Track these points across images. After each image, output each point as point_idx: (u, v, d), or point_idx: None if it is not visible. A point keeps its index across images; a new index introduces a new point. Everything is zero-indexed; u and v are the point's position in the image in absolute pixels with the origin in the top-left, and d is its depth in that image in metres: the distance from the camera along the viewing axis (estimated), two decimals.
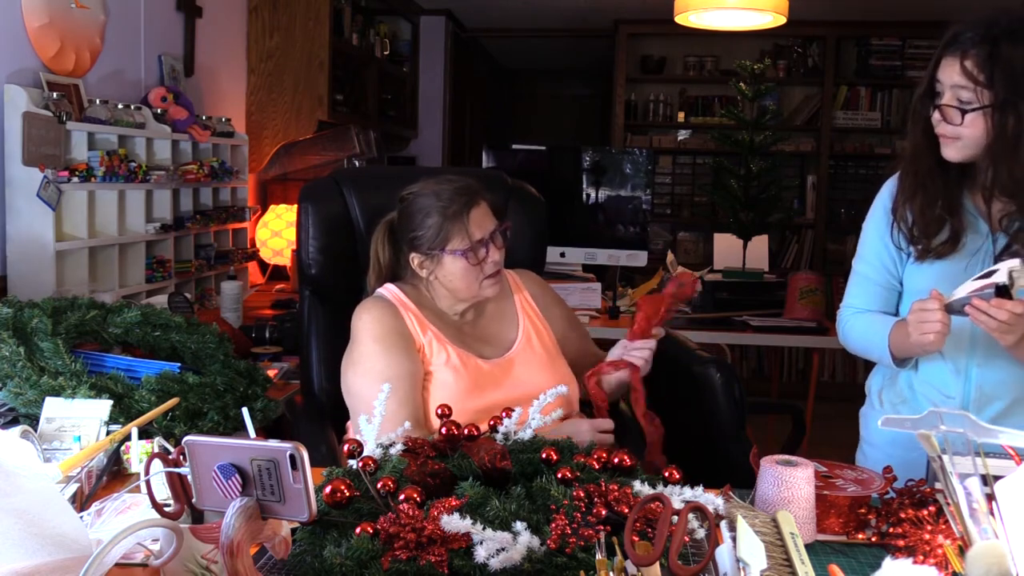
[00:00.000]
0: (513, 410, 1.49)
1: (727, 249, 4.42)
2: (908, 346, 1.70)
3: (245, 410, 1.24)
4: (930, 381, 1.76)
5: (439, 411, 1.50)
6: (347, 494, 1.22)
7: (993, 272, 1.52)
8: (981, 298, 1.51)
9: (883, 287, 1.82)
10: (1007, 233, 1.67)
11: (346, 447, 1.36)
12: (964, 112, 1.60)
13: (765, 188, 4.67)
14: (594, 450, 1.39)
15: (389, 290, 1.89)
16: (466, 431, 1.42)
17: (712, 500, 1.27)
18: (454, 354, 1.82)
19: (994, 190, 1.64)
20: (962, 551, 1.12)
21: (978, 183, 1.69)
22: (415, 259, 1.86)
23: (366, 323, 1.82)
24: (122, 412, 1.70)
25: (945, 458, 1.17)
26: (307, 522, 1.03)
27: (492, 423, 1.49)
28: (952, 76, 1.61)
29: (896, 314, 1.82)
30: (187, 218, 3.35)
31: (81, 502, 1.40)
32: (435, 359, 1.81)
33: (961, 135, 1.63)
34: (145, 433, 1.63)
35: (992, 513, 1.07)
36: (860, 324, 1.82)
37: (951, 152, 1.66)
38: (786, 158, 6.10)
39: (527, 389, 1.76)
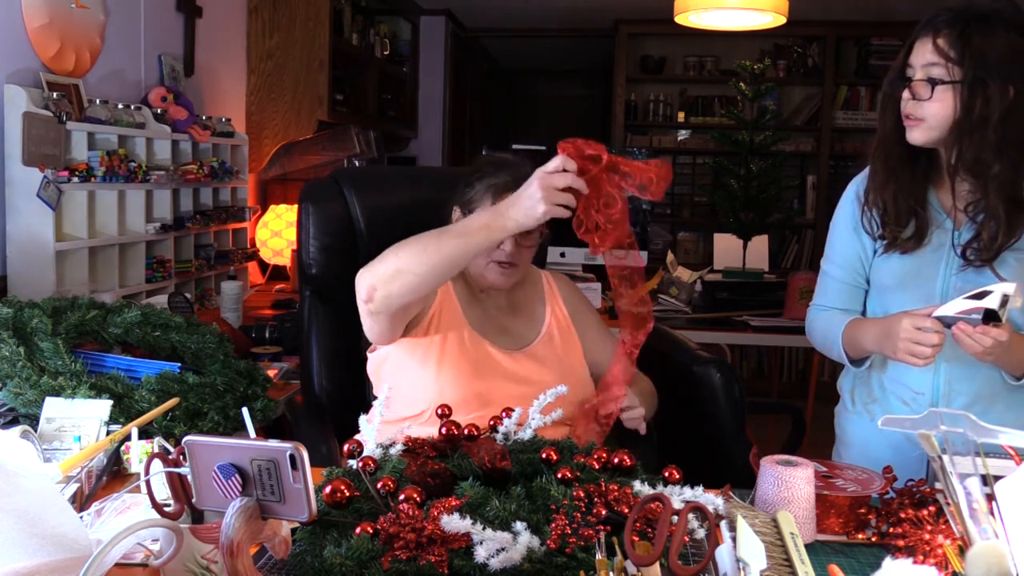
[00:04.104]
0: (513, 410, 1.49)
1: (727, 249, 4.43)
2: (863, 348, 1.75)
3: (245, 410, 1.24)
4: (899, 379, 1.77)
5: (439, 411, 1.50)
6: (347, 494, 1.22)
7: (986, 293, 1.52)
8: (968, 322, 1.53)
9: (850, 285, 1.84)
10: (972, 220, 1.68)
11: (346, 447, 1.36)
12: (934, 85, 1.62)
13: (765, 188, 4.68)
14: (594, 450, 1.39)
15: None
16: (466, 431, 1.42)
17: (712, 500, 1.27)
18: (467, 335, 1.81)
19: (958, 169, 1.66)
20: (962, 551, 1.12)
21: (942, 171, 1.71)
22: (455, 213, 1.86)
23: None
24: (122, 412, 1.70)
25: (945, 458, 1.17)
26: (307, 522, 1.03)
27: (492, 423, 1.49)
28: (924, 55, 1.64)
29: (863, 311, 1.85)
30: (187, 218, 3.35)
31: (81, 502, 1.40)
32: (448, 332, 1.80)
33: (927, 115, 1.65)
34: (145, 433, 1.62)
35: (992, 513, 1.07)
36: (821, 322, 1.85)
37: (916, 135, 1.67)
38: (786, 158, 6.11)
39: (533, 384, 1.74)
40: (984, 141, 1.61)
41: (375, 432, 1.45)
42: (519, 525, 1.15)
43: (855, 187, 1.84)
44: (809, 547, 1.28)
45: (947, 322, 1.55)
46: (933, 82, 1.62)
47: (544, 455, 1.36)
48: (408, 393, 1.75)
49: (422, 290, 1.62)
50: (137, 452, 1.58)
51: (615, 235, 1.53)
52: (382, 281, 1.61)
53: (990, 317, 1.51)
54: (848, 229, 1.83)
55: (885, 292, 1.79)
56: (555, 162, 1.48)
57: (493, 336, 1.85)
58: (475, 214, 1.61)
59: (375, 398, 1.59)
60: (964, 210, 1.69)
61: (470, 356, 1.79)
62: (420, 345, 1.78)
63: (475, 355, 1.80)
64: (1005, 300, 1.51)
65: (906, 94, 1.66)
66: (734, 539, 1.00)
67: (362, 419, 1.48)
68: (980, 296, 1.52)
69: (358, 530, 1.15)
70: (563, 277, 2.05)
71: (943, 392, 1.73)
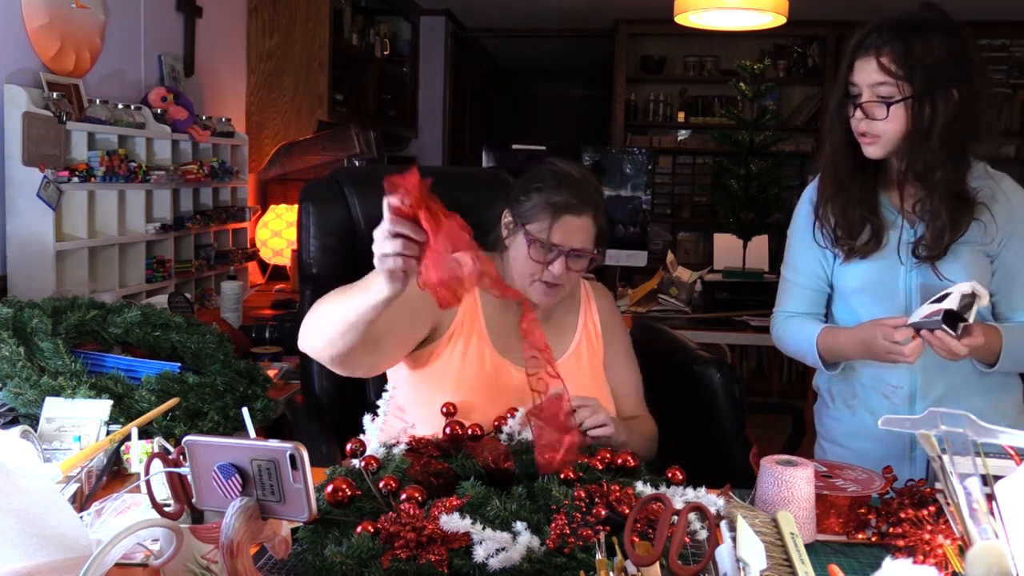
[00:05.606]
0: (517, 410, 1.49)
1: (727, 249, 4.43)
2: (845, 356, 1.79)
3: (245, 410, 1.24)
4: (877, 374, 1.80)
5: (444, 409, 1.49)
6: (348, 493, 1.22)
7: (948, 295, 1.55)
8: (930, 325, 1.57)
9: (812, 290, 1.87)
10: (921, 219, 1.73)
11: (348, 446, 1.36)
12: (889, 105, 1.65)
13: (765, 188, 4.68)
14: (598, 451, 1.39)
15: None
16: (470, 431, 1.42)
17: (713, 501, 1.27)
18: (488, 353, 1.72)
19: (907, 176, 1.71)
20: (962, 551, 1.12)
21: (892, 175, 1.75)
22: (506, 215, 1.76)
23: None
24: (122, 412, 1.70)
25: (945, 458, 1.17)
26: (307, 522, 1.03)
27: (496, 423, 1.49)
28: (870, 75, 1.67)
29: (826, 314, 1.89)
30: (187, 218, 3.35)
31: (81, 502, 1.40)
32: (468, 349, 1.70)
33: (882, 132, 1.68)
34: (145, 433, 1.62)
35: (992, 513, 1.07)
36: (791, 329, 1.88)
37: (873, 151, 1.71)
38: (786, 158, 6.11)
39: None
40: (930, 150, 1.66)
41: (378, 431, 1.45)
42: (519, 525, 1.15)
43: (809, 195, 1.87)
44: (809, 547, 1.28)
45: (917, 327, 1.59)
46: (887, 102, 1.65)
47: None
48: (421, 407, 1.67)
49: (345, 347, 1.45)
50: (137, 452, 1.58)
51: (453, 289, 1.21)
52: (311, 349, 1.51)
53: (952, 318, 1.54)
54: (807, 238, 1.85)
55: (850, 295, 1.82)
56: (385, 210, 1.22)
57: (515, 353, 1.72)
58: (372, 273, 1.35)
59: (376, 398, 1.59)
60: (912, 209, 1.74)
61: (488, 378, 1.70)
62: (439, 359, 1.70)
63: (493, 377, 1.70)
64: (968, 300, 1.53)
65: (858, 114, 1.69)
66: (734, 539, 1.00)
67: (366, 418, 1.48)
68: (943, 299, 1.56)
69: (359, 529, 1.15)
70: (603, 289, 1.95)
71: (920, 385, 1.77)
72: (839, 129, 1.75)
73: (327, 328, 1.45)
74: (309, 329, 1.50)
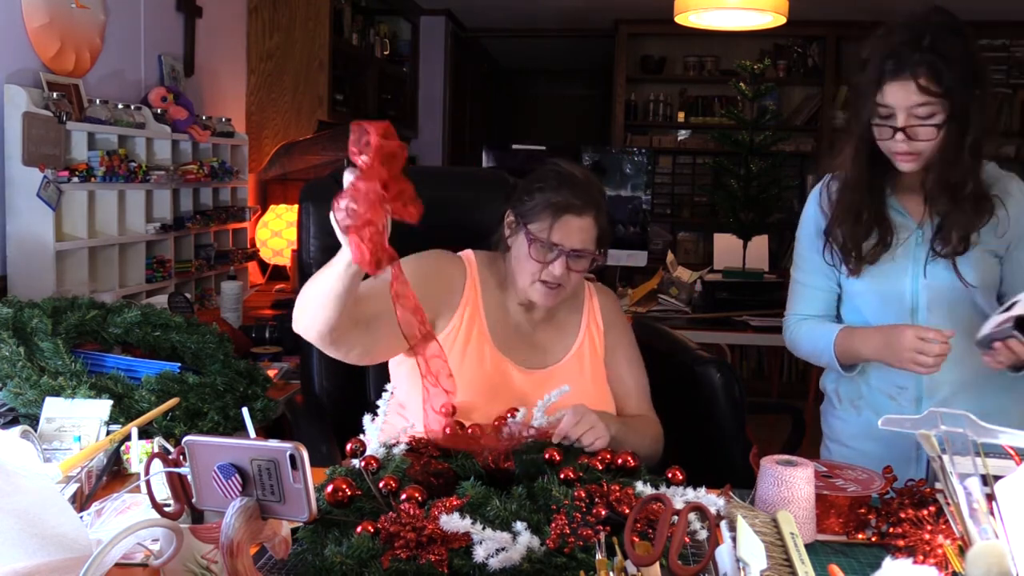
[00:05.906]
0: (518, 410, 1.49)
1: (727, 249, 4.43)
2: (860, 357, 1.78)
3: (245, 410, 1.24)
4: (884, 375, 1.80)
5: (443, 409, 1.49)
6: (348, 493, 1.22)
7: (1015, 304, 1.54)
8: (1000, 335, 1.54)
9: (824, 291, 1.87)
10: (938, 214, 1.73)
11: (348, 446, 1.36)
12: (939, 128, 1.63)
13: (765, 188, 4.68)
14: (598, 451, 1.39)
15: (466, 254, 1.81)
16: (470, 431, 1.42)
17: (713, 501, 1.28)
18: (488, 352, 1.71)
19: (937, 188, 1.70)
20: (962, 551, 1.12)
21: (914, 183, 1.75)
22: (509, 215, 1.76)
23: (420, 253, 1.73)
24: (122, 412, 1.70)
25: (945, 458, 1.17)
26: (307, 522, 1.03)
27: (496, 423, 1.49)
28: (909, 98, 1.63)
29: (838, 315, 1.88)
30: (187, 218, 3.35)
31: (81, 502, 1.40)
32: (468, 348, 1.71)
33: (923, 149, 1.66)
34: (145, 433, 1.63)
35: (992, 513, 1.07)
36: (804, 331, 1.87)
37: (911, 166, 1.70)
38: (786, 158, 6.11)
39: (552, 410, 1.59)
40: (961, 164, 1.65)
41: (378, 431, 1.45)
42: (519, 525, 1.15)
43: (817, 198, 1.87)
44: (809, 547, 1.28)
45: (988, 340, 1.56)
46: (936, 124, 1.63)
47: (547, 455, 1.37)
48: (421, 405, 1.62)
49: (331, 320, 1.48)
50: (137, 452, 1.58)
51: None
52: (303, 328, 1.53)
53: (1020, 325, 1.52)
54: (815, 243, 1.85)
55: (857, 297, 1.82)
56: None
57: (517, 354, 1.74)
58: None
59: (376, 398, 1.59)
60: (927, 209, 1.74)
61: (488, 377, 1.69)
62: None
63: (493, 377, 1.70)
64: None
65: (899, 135, 1.66)
66: (734, 539, 1.00)
67: (366, 418, 1.48)
68: (1011, 308, 1.54)
69: (359, 529, 1.15)
70: (606, 289, 1.94)
71: (926, 385, 1.76)
72: (865, 151, 1.73)
73: (312, 304, 1.48)
74: (298, 309, 1.53)
